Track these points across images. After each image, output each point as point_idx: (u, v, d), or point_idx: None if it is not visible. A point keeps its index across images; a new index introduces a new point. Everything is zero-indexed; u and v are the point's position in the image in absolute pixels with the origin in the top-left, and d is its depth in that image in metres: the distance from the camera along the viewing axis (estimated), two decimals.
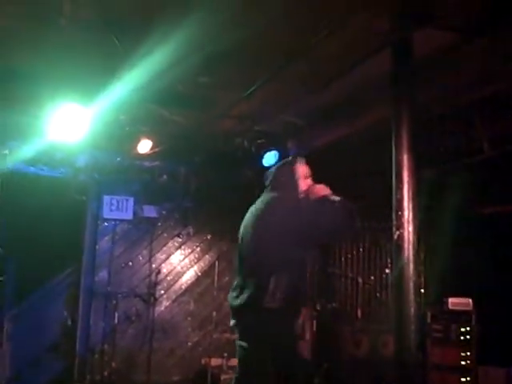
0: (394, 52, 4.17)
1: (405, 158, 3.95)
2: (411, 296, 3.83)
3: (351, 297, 7.96)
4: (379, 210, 6.18)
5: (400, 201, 3.91)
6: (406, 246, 3.86)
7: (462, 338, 6.26)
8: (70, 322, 7.69)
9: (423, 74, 4.39)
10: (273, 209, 3.65)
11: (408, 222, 3.87)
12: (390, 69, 4.18)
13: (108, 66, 5.02)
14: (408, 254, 3.86)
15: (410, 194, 3.92)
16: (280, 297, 3.47)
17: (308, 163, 3.92)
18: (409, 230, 3.87)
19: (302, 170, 3.83)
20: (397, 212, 3.91)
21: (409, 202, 3.91)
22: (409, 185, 3.93)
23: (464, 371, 6.17)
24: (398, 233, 3.88)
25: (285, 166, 3.90)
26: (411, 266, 3.86)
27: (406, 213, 3.89)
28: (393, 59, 4.17)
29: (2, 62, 5.08)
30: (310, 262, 3.83)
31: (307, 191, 3.74)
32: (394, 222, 3.92)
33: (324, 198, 3.67)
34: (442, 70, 4.82)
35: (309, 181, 3.81)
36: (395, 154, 4.00)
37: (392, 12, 4.02)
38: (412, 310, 3.81)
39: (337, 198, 3.66)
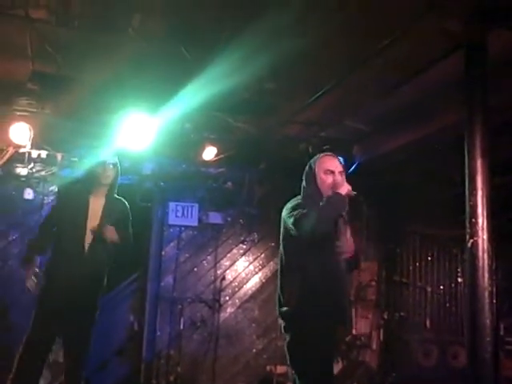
0: (468, 54, 4.03)
1: (478, 162, 3.81)
2: (486, 306, 3.69)
3: (419, 306, 7.79)
4: (449, 217, 6.03)
5: (474, 207, 3.77)
6: (480, 254, 3.73)
7: None
8: (136, 327, 7.79)
9: (497, 75, 4.24)
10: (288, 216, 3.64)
11: (482, 229, 3.73)
12: (462, 71, 4.05)
13: (175, 75, 5.07)
14: (482, 263, 3.72)
15: (484, 200, 3.78)
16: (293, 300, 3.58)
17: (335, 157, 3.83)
18: (483, 238, 3.73)
19: (325, 165, 3.71)
20: (470, 219, 3.77)
21: (483, 208, 3.77)
22: (483, 191, 3.79)
23: None
24: (471, 241, 3.75)
25: (307, 170, 3.81)
26: (486, 275, 3.72)
27: (480, 220, 3.75)
28: (466, 62, 4.03)
29: (71, 72, 5.20)
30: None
31: (331, 186, 3.63)
32: (468, 230, 3.78)
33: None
34: None
35: (334, 176, 3.67)
36: (468, 159, 3.86)
37: (466, 12, 3.89)
38: (487, 321, 3.67)
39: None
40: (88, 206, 4.76)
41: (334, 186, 3.62)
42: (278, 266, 3.83)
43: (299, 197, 3.78)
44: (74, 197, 4.82)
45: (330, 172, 3.68)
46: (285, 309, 3.64)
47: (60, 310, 4.62)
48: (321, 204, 3.54)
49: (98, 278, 4.75)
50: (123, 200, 4.98)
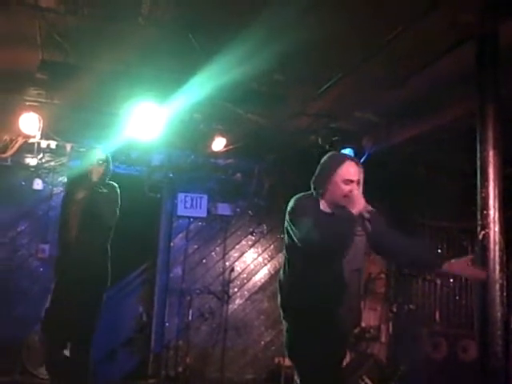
0: (479, 45, 3.96)
1: (490, 153, 3.75)
2: (497, 300, 3.65)
3: (429, 299, 7.76)
4: (460, 209, 5.98)
5: (485, 199, 3.72)
6: (491, 246, 3.68)
7: None
8: (145, 318, 7.81)
9: (508, 65, 4.18)
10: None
11: (494, 221, 3.68)
12: (474, 62, 4.00)
13: (184, 65, 5.05)
14: (494, 255, 3.68)
15: (496, 191, 3.73)
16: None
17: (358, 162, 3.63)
18: (495, 230, 3.68)
19: (347, 174, 3.50)
20: (482, 211, 3.72)
21: (494, 200, 3.72)
22: (494, 182, 3.74)
23: None
24: (483, 233, 3.70)
25: (326, 169, 3.60)
26: (497, 267, 3.68)
27: (491, 212, 3.69)
28: (477, 52, 3.97)
29: (80, 61, 5.18)
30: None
31: (346, 195, 3.47)
32: (479, 222, 3.73)
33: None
34: None
35: (352, 186, 3.48)
36: (480, 150, 3.80)
37: (478, 2, 3.83)
38: (498, 314, 3.63)
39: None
40: (74, 205, 4.88)
41: (349, 198, 3.45)
42: (284, 254, 3.75)
43: (309, 193, 3.64)
44: (66, 203, 4.98)
45: (350, 182, 3.49)
46: (284, 300, 3.64)
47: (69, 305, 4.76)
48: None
49: (93, 267, 4.79)
50: (113, 184, 4.97)
